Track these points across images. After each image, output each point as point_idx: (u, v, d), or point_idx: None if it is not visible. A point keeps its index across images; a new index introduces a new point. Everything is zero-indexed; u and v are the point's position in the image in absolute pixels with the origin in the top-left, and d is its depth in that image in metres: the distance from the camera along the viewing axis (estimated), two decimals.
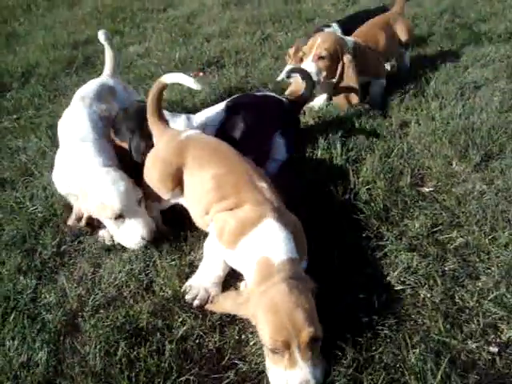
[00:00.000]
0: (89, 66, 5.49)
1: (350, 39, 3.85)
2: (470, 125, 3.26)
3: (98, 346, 2.03)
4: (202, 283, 2.25)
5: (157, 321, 2.15)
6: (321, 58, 3.63)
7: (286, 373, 1.82)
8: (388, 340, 1.99)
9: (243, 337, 2.07)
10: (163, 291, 2.31)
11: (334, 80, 3.75)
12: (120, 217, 2.47)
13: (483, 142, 3.07)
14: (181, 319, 2.15)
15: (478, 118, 3.35)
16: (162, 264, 2.44)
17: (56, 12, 7.96)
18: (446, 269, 2.28)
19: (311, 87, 3.48)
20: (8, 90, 5.04)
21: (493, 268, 2.24)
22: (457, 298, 2.14)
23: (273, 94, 3.51)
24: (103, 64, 5.27)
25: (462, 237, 2.45)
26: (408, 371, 1.84)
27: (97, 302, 2.29)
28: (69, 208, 2.80)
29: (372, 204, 2.68)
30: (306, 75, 3.47)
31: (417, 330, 2.02)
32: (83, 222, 2.58)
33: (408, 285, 2.21)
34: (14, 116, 4.41)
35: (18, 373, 2.00)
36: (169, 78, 2.79)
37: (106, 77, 3.54)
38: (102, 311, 2.24)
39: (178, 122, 3.04)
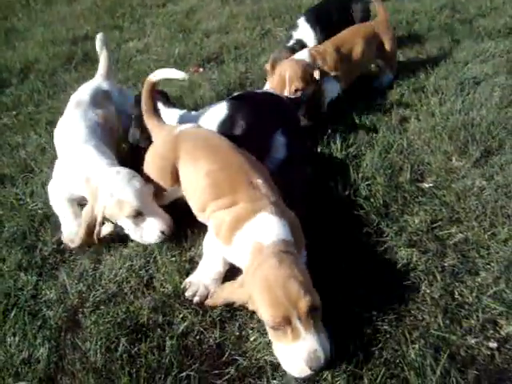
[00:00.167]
0: (88, 61, 5.46)
1: (305, 54, 3.74)
2: (470, 120, 3.26)
3: (99, 342, 2.04)
4: (201, 279, 2.25)
5: (157, 317, 2.16)
6: (296, 90, 3.51)
7: (292, 347, 1.83)
8: (388, 335, 1.99)
9: (243, 333, 2.07)
10: (163, 287, 2.32)
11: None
12: (138, 214, 2.46)
13: (483, 138, 3.07)
14: (181, 315, 2.16)
15: (478, 113, 3.34)
16: (163, 260, 2.45)
17: (55, 8, 7.93)
18: (446, 264, 2.29)
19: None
20: (7, 86, 5.03)
21: (492, 264, 2.25)
22: (456, 293, 2.15)
23: (273, 91, 3.48)
24: None
25: (461, 232, 2.45)
26: (407, 367, 1.85)
27: (97, 298, 2.30)
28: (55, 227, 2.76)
29: (372, 200, 2.68)
30: None
31: (416, 325, 2.03)
32: (97, 228, 2.50)
33: (408, 280, 2.22)
34: (14, 112, 4.40)
35: (19, 369, 2.01)
36: (156, 76, 2.85)
37: (100, 80, 3.46)
38: (102, 307, 2.25)
39: (172, 117, 3.14)
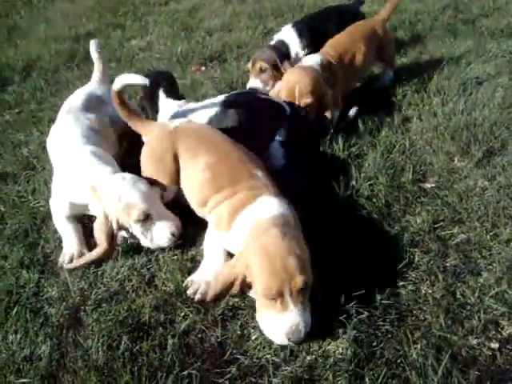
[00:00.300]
0: (90, 59, 5.35)
1: (316, 59, 3.48)
2: (472, 121, 3.25)
3: (101, 340, 2.04)
4: (202, 277, 2.26)
5: (159, 315, 2.16)
6: (307, 106, 3.25)
7: (277, 316, 1.94)
8: (389, 335, 2.00)
9: (245, 331, 2.07)
10: (165, 285, 2.32)
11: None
12: (147, 217, 2.42)
13: (485, 138, 3.07)
14: (183, 313, 2.16)
15: (480, 113, 3.34)
16: (164, 258, 2.45)
17: (57, 5, 7.93)
18: (448, 265, 2.29)
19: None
20: (9, 83, 5.02)
21: (494, 264, 2.25)
22: (458, 294, 2.15)
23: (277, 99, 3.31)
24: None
25: (463, 233, 2.45)
26: (409, 367, 1.85)
27: (99, 296, 2.29)
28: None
29: (374, 200, 2.69)
30: None
31: (418, 325, 2.03)
32: (116, 234, 2.47)
33: (410, 280, 2.22)
34: (16, 110, 4.40)
35: (21, 366, 2.01)
36: (117, 84, 2.79)
37: (94, 85, 3.43)
38: (104, 305, 2.25)
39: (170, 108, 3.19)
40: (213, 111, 3.07)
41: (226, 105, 3.08)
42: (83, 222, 2.76)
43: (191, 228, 2.60)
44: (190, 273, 2.35)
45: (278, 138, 3.08)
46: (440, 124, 3.27)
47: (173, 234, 2.47)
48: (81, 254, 2.53)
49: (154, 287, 2.33)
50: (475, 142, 3.04)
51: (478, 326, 1.99)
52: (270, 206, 2.22)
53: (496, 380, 1.81)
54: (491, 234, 2.41)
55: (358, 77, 3.98)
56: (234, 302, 2.19)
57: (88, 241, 2.65)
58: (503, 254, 2.29)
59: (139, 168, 2.76)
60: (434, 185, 2.80)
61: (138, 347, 2.02)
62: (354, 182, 2.81)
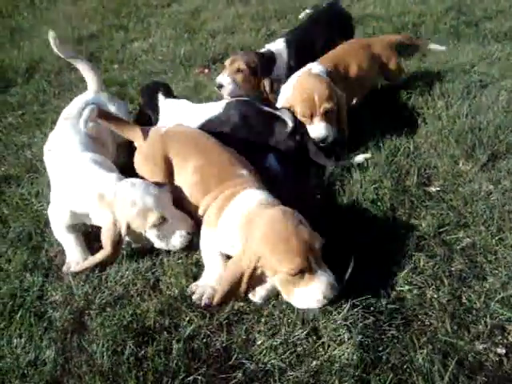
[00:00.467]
0: (93, 61, 5.44)
1: (321, 68, 3.36)
2: (477, 124, 3.25)
3: (106, 345, 2.03)
4: (207, 282, 2.25)
5: (164, 320, 2.15)
6: (327, 113, 3.09)
7: (309, 286, 2.02)
8: (395, 340, 1.99)
9: (250, 336, 2.06)
10: (170, 290, 2.31)
11: None
12: (163, 220, 2.41)
13: (490, 142, 3.06)
14: (188, 318, 2.15)
15: (485, 117, 3.33)
16: (169, 262, 2.44)
17: (59, 6, 7.94)
18: (453, 269, 2.28)
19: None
20: (13, 85, 5.03)
21: (500, 269, 2.25)
22: (464, 298, 2.14)
23: (281, 113, 3.11)
24: (108, 59, 5.36)
25: (468, 237, 2.45)
26: (415, 372, 1.85)
27: (103, 301, 2.28)
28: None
29: (379, 203, 2.68)
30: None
31: (424, 330, 2.02)
32: (123, 241, 2.45)
33: (415, 285, 2.21)
34: (19, 112, 4.40)
35: (26, 371, 2.01)
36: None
37: (91, 93, 3.39)
38: (108, 309, 2.24)
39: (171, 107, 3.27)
40: (211, 115, 3.10)
41: (225, 111, 3.09)
42: (86, 228, 2.74)
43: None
44: (194, 277, 2.35)
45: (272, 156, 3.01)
46: (444, 127, 3.27)
47: (188, 233, 2.47)
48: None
49: (158, 291, 2.32)
50: (480, 145, 3.03)
51: (484, 332, 1.99)
52: (254, 196, 2.28)
53: None
54: (496, 238, 2.41)
55: (357, 91, 3.73)
56: (239, 306, 2.18)
57: (90, 246, 2.65)
58: (509, 258, 2.29)
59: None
60: (438, 188, 2.79)
61: (142, 352, 2.02)
62: (358, 186, 2.80)
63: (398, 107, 3.69)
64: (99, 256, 2.43)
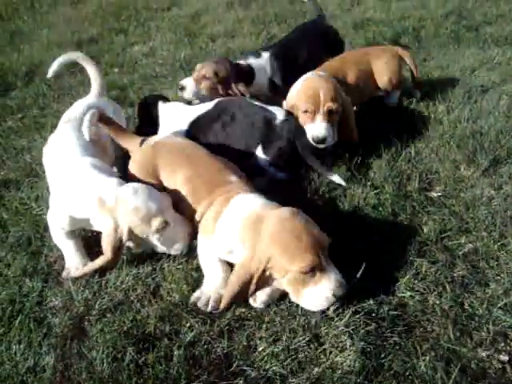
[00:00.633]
0: None
1: (321, 74, 3.29)
2: (478, 129, 3.24)
3: (106, 351, 2.01)
4: (210, 288, 2.24)
5: (164, 326, 2.13)
6: (330, 114, 3.04)
7: (319, 286, 2.03)
8: (397, 347, 1.97)
9: (251, 342, 2.04)
10: (170, 296, 2.28)
11: None
12: (166, 224, 2.39)
13: (491, 147, 3.05)
14: (188, 324, 2.13)
15: (486, 122, 3.33)
16: (169, 268, 2.42)
17: (59, 10, 7.93)
18: (455, 275, 2.27)
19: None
20: (12, 88, 5.02)
21: (502, 275, 2.23)
22: (466, 305, 2.12)
23: (268, 107, 3.17)
24: (108, 63, 5.35)
25: (470, 243, 2.43)
26: (418, 379, 1.83)
27: (103, 306, 2.26)
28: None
29: (380, 209, 2.67)
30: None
31: (426, 337, 2.01)
32: (124, 247, 2.43)
33: (417, 291, 2.20)
34: (19, 115, 4.39)
35: (25, 378, 1.98)
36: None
37: (93, 97, 3.38)
38: (108, 315, 2.22)
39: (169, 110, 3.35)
40: (202, 112, 3.23)
41: (215, 110, 3.19)
42: (85, 233, 2.74)
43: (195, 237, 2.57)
44: (195, 282, 2.33)
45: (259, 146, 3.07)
46: (446, 132, 3.26)
47: (190, 234, 2.49)
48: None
49: (159, 297, 2.30)
50: (481, 150, 3.02)
51: (486, 338, 1.97)
52: (251, 199, 2.30)
53: None
54: (499, 243, 2.39)
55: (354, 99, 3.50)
56: (240, 312, 2.16)
57: (90, 251, 2.64)
58: (511, 264, 2.27)
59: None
60: (440, 193, 2.78)
61: (143, 359, 1.99)
62: (359, 191, 2.79)
63: (399, 112, 3.68)
64: (99, 262, 2.41)
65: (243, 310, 2.17)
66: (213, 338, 2.07)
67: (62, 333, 2.17)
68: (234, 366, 1.96)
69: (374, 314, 2.10)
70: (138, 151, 2.86)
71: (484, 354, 1.92)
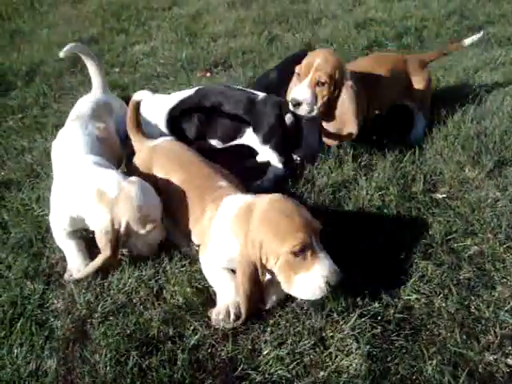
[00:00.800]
0: None
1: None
2: (483, 130, 3.22)
3: (109, 355, 1.98)
4: (225, 301, 2.17)
5: (168, 329, 2.11)
6: (320, 83, 2.90)
7: (310, 271, 1.97)
8: (404, 351, 1.96)
9: (256, 346, 2.02)
10: (174, 298, 2.26)
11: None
12: (154, 228, 2.40)
13: (496, 148, 3.03)
14: (192, 327, 2.11)
15: (490, 123, 3.30)
16: (173, 270, 2.39)
17: (60, 9, 7.89)
18: (461, 278, 2.25)
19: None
20: (12, 88, 4.96)
21: (508, 277, 2.22)
22: (472, 308, 2.11)
23: (248, 89, 3.31)
24: (108, 63, 5.32)
25: (476, 245, 2.42)
26: None
27: (106, 309, 2.24)
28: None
29: (385, 210, 2.65)
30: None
31: (433, 340, 1.99)
32: (123, 235, 2.37)
33: (423, 294, 2.18)
34: (19, 115, 4.34)
35: (27, 382, 1.96)
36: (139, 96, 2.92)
37: (99, 93, 3.36)
38: (111, 318, 2.19)
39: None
40: (183, 97, 3.27)
41: (196, 97, 3.23)
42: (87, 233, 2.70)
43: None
44: (199, 285, 2.31)
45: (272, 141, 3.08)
46: (450, 133, 3.23)
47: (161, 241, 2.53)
48: None
49: (162, 300, 2.27)
50: (486, 151, 3.00)
51: (494, 342, 1.96)
52: (238, 198, 2.27)
53: None
54: (505, 246, 2.38)
55: (378, 105, 3.40)
56: None
57: (92, 252, 2.59)
58: None
59: None
60: (445, 195, 2.76)
61: (147, 362, 1.97)
62: (364, 192, 2.77)
63: (403, 113, 3.65)
64: (99, 260, 2.38)
65: None
66: (217, 341, 2.05)
67: (64, 336, 2.14)
68: (239, 369, 1.93)
69: (379, 317, 2.08)
70: (138, 153, 2.90)
71: (491, 358, 1.91)
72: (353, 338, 1.98)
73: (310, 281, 1.97)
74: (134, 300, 2.29)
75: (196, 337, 2.06)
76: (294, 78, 3.06)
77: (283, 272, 2.00)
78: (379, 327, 2.02)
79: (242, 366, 1.95)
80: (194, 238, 2.47)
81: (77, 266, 2.50)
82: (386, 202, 2.71)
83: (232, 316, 2.10)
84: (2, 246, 2.72)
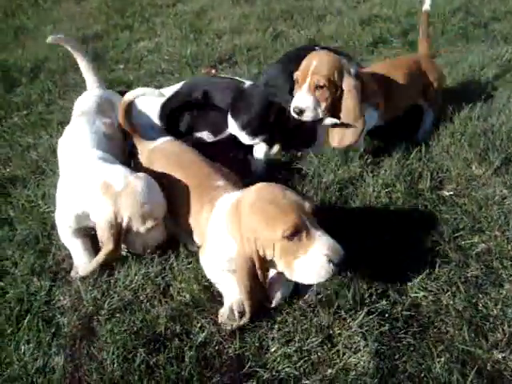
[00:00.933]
0: (98, 61, 5.39)
1: (355, 67, 2.95)
2: (489, 127, 3.20)
3: (116, 352, 1.98)
4: (231, 299, 2.16)
5: (175, 326, 2.10)
6: (319, 87, 2.80)
7: (309, 253, 1.88)
8: (412, 348, 1.95)
9: (263, 343, 2.02)
10: (181, 295, 2.25)
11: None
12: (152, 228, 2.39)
13: (503, 145, 3.02)
14: (199, 325, 2.10)
15: (497, 120, 3.28)
16: (179, 267, 2.39)
17: (64, 6, 7.88)
18: (469, 275, 2.24)
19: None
20: (17, 85, 4.97)
21: None
22: (480, 305, 2.10)
23: (236, 77, 3.38)
24: (113, 59, 5.33)
25: (484, 242, 2.41)
26: (434, 381, 1.82)
27: (113, 306, 2.23)
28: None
29: (392, 207, 2.64)
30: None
31: (441, 338, 1.99)
32: (124, 229, 2.35)
33: (430, 291, 2.18)
34: (24, 112, 4.34)
35: (34, 379, 1.96)
36: (129, 96, 2.85)
37: (100, 89, 3.34)
38: (118, 315, 2.19)
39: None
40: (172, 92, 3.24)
41: (186, 88, 3.23)
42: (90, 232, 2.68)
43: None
44: (206, 281, 2.30)
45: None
46: (456, 130, 3.21)
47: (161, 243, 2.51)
48: None
49: (169, 297, 2.27)
50: (493, 148, 2.98)
51: (502, 339, 1.95)
52: (229, 196, 2.22)
53: None
54: None
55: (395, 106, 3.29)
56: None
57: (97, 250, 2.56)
58: None
59: None
60: (452, 192, 2.75)
61: (154, 360, 1.97)
62: (371, 189, 2.76)
63: (409, 109, 3.63)
64: (102, 254, 2.37)
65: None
66: (224, 338, 2.04)
67: (71, 333, 2.14)
68: (247, 367, 1.93)
69: (387, 315, 2.08)
70: (139, 155, 2.90)
71: (500, 356, 1.90)
72: (360, 335, 1.98)
73: (310, 262, 1.87)
74: (141, 297, 2.29)
75: (203, 334, 2.05)
76: (296, 85, 2.94)
77: (283, 259, 1.92)
78: (387, 325, 2.02)
79: (249, 363, 1.94)
80: (196, 239, 2.44)
81: (83, 263, 2.49)
82: (393, 199, 2.70)
83: (237, 315, 2.09)
84: (8, 242, 2.72)
